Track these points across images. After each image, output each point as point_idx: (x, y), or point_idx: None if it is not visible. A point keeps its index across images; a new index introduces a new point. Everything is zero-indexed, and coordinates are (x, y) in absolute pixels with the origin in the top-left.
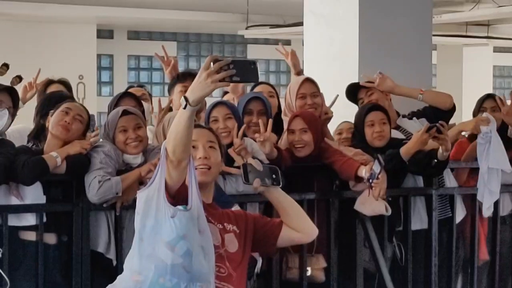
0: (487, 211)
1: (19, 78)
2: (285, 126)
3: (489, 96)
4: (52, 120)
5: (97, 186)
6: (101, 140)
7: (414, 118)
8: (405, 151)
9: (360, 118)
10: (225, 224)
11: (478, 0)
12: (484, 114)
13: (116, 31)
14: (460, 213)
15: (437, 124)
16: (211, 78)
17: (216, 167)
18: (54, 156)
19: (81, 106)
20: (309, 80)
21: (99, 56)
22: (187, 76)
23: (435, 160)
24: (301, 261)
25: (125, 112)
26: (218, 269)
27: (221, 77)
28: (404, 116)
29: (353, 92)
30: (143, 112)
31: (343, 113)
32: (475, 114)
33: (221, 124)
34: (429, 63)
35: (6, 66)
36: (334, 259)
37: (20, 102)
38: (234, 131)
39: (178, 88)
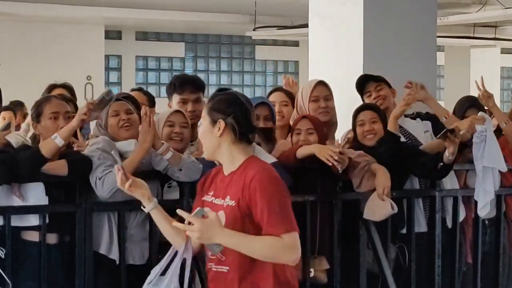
0: (482, 211)
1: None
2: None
3: (472, 106)
4: (45, 130)
5: (100, 183)
6: (92, 134)
7: (418, 119)
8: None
9: (353, 118)
10: (226, 198)
11: (485, 2)
12: (480, 114)
13: (124, 32)
14: (460, 215)
15: (455, 128)
16: None
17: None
18: (53, 138)
19: (62, 101)
20: (322, 83)
21: (107, 57)
22: (185, 85)
23: (441, 164)
24: (303, 262)
25: (116, 100)
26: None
27: None
28: (406, 116)
29: (362, 84)
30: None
31: (346, 113)
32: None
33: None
34: (434, 64)
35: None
36: (337, 260)
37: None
38: None
39: (176, 99)
